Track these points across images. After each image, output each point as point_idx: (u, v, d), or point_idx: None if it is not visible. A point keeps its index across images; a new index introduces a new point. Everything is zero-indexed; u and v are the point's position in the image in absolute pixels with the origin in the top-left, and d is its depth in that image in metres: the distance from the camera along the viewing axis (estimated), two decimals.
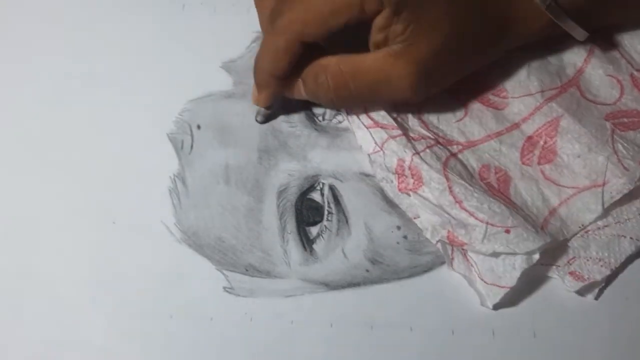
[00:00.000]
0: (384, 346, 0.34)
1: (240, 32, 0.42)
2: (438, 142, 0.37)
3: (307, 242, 0.37)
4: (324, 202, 0.37)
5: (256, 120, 0.39)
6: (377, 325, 0.35)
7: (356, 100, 0.37)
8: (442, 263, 0.36)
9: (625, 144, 0.37)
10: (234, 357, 0.34)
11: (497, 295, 0.34)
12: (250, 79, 0.40)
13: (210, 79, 0.41)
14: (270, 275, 0.36)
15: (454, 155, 0.37)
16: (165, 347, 0.34)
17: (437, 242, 0.36)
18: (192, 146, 0.39)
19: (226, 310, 0.35)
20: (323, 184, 0.38)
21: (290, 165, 0.38)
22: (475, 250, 0.35)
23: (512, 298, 0.35)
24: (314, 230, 0.37)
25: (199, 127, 0.39)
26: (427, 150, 0.37)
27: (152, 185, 0.38)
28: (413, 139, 0.37)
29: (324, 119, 0.40)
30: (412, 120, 0.38)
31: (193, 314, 0.35)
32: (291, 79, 0.37)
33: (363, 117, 0.38)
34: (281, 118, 0.39)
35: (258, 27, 0.42)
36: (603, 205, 0.35)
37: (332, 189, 0.38)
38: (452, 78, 0.37)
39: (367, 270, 0.36)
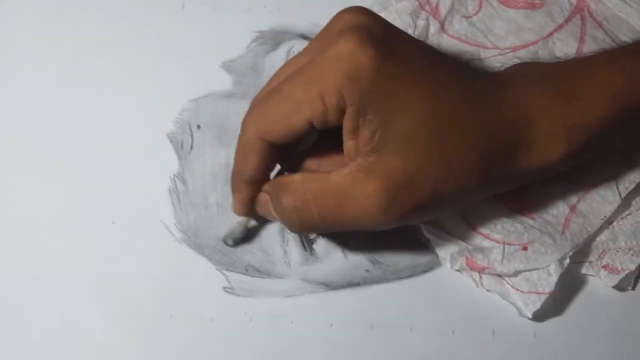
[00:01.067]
0: (384, 346, 0.34)
1: (240, 32, 0.42)
2: None
3: (307, 242, 0.37)
4: None
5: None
6: (377, 325, 0.35)
7: (321, 226, 0.32)
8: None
9: None
10: (234, 357, 0.34)
11: (537, 302, 0.34)
12: (250, 79, 0.40)
13: (210, 79, 0.41)
14: (270, 275, 0.36)
15: None
16: (165, 347, 0.34)
17: (457, 270, 0.36)
18: (192, 146, 0.39)
19: (226, 310, 0.35)
20: None
21: None
22: (497, 272, 0.34)
23: (554, 305, 0.35)
24: None
25: (199, 127, 0.39)
26: None
27: (152, 185, 0.38)
28: None
29: None
30: None
31: (193, 314, 0.35)
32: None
33: None
34: None
35: (258, 27, 0.42)
36: (620, 195, 0.35)
37: None
38: (442, 207, 0.33)
39: (367, 270, 0.36)
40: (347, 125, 0.30)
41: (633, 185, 0.36)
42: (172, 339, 0.35)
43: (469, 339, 0.35)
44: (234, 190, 0.35)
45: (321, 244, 0.37)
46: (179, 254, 0.36)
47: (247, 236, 0.36)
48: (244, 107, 0.39)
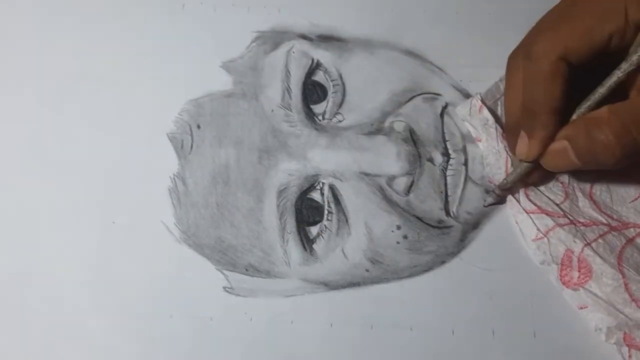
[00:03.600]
0: (384, 346, 0.34)
1: (240, 32, 0.42)
2: (611, 228, 0.36)
3: (307, 242, 0.37)
4: (323, 202, 0.37)
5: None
6: (377, 325, 0.35)
7: None
8: (442, 263, 0.36)
9: None
10: (234, 357, 0.34)
11: None
12: (250, 79, 0.40)
13: (210, 79, 0.41)
14: (270, 275, 0.36)
15: (630, 241, 0.35)
16: (165, 347, 0.34)
17: (613, 343, 0.34)
18: (192, 146, 0.39)
19: (226, 310, 0.35)
20: (323, 183, 0.38)
21: (290, 165, 0.38)
22: None
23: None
24: (313, 230, 0.37)
25: (199, 127, 0.39)
26: (600, 240, 0.35)
27: (152, 185, 0.38)
28: (583, 224, 0.36)
29: (323, 118, 0.40)
30: (582, 201, 0.37)
31: (193, 314, 0.35)
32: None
33: (524, 201, 0.36)
34: (281, 117, 0.39)
35: (258, 27, 0.42)
36: None
37: (332, 188, 0.38)
38: None
39: (367, 270, 0.36)
40: None
41: None
42: (172, 339, 0.35)
43: (469, 339, 0.35)
44: (534, 129, 0.34)
45: (321, 244, 0.37)
46: (179, 254, 0.36)
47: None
48: (244, 107, 0.40)
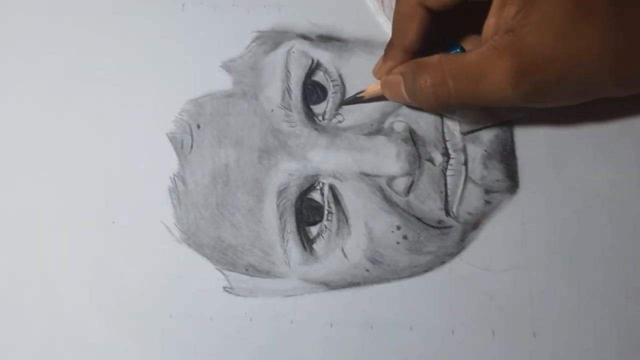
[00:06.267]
0: (384, 346, 0.34)
1: (240, 32, 0.42)
2: None
3: (307, 242, 0.37)
4: (323, 202, 0.37)
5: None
6: (377, 325, 0.35)
7: (455, 101, 0.34)
8: (442, 263, 0.36)
9: None
10: (234, 357, 0.34)
11: None
12: (250, 79, 0.40)
13: (210, 79, 0.41)
14: (270, 275, 0.36)
15: None
16: (165, 347, 0.34)
17: None
18: (192, 146, 0.39)
19: (226, 310, 0.35)
20: (323, 183, 0.38)
21: (290, 165, 0.38)
22: None
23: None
24: (313, 230, 0.37)
25: (199, 127, 0.39)
26: None
27: (152, 185, 0.38)
28: None
29: (324, 119, 0.40)
30: None
31: (193, 314, 0.35)
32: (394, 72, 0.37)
33: None
34: (281, 117, 0.39)
35: (258, 27, 0.42)
36: None
37: (332, 188, 0.38)
38: (568, 94, 0.34)
39: (367, 270, 0.36)
40: (496, 0, 0.33)
41: None
42: (172, 339, 0.35)
43: (469, 339, 0.35)
44: (387, 57, 0.37)
45: (321, 244, 0.37)
46: (179, 254, 0.36)
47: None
48: (244, 107, 0.40)
